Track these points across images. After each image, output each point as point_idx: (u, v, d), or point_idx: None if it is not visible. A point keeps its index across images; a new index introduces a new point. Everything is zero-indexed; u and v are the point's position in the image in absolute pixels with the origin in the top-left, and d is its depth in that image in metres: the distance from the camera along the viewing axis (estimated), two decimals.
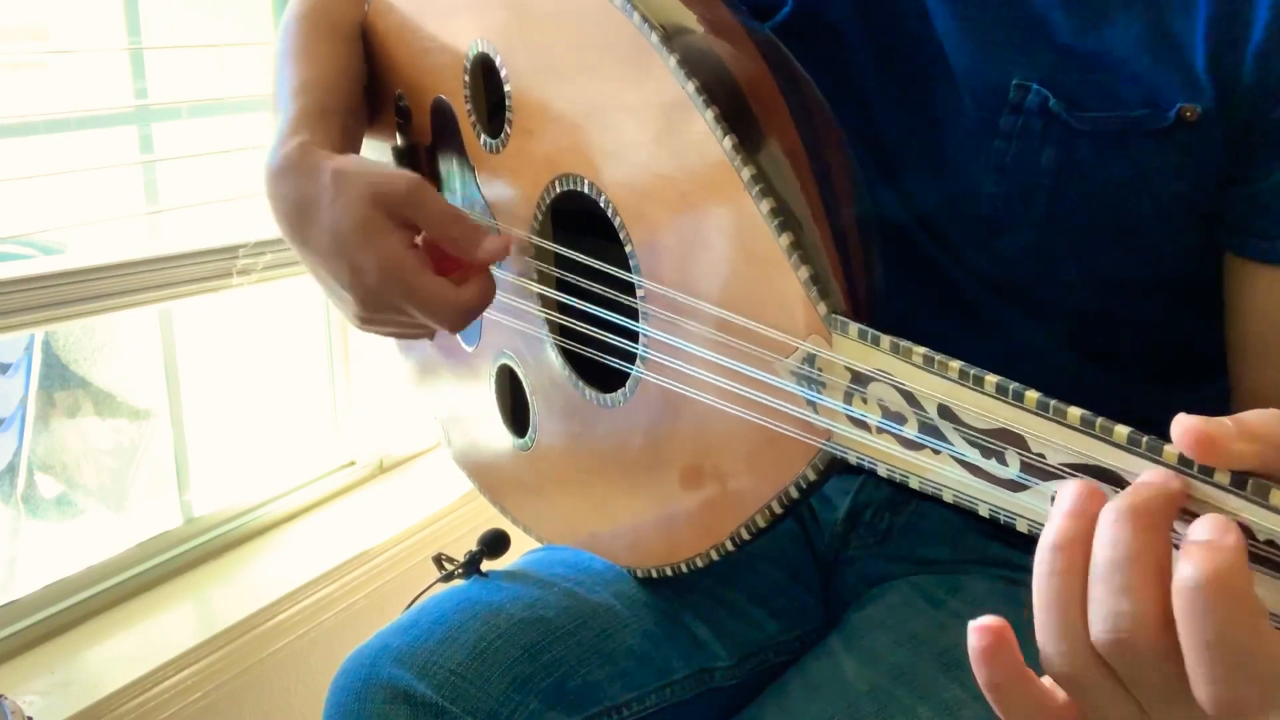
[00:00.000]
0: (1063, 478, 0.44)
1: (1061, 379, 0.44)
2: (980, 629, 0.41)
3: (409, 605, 0.81)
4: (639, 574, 0.76)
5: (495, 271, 0.79)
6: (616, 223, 0.66)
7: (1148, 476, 0.40)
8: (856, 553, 0.83)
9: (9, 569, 1.33)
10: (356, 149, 0.83)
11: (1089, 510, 0.40)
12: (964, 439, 0.47)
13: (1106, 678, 0.39)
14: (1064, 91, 0.63)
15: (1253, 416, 0.38)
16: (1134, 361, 0.72)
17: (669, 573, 0.71)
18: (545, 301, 0.75)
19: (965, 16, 0.66)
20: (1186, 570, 0.36)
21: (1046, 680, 0.42)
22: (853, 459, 0.54)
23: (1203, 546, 0.36)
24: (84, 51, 1.34)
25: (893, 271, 0.63)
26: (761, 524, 0.62)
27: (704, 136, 0.59)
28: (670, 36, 0.60)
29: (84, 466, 1.46)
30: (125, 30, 1.34)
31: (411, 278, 0.69)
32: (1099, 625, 0.38)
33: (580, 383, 0.73)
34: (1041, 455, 0.44)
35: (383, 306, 0.71)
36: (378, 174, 0.70)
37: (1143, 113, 0.62)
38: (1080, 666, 0.40)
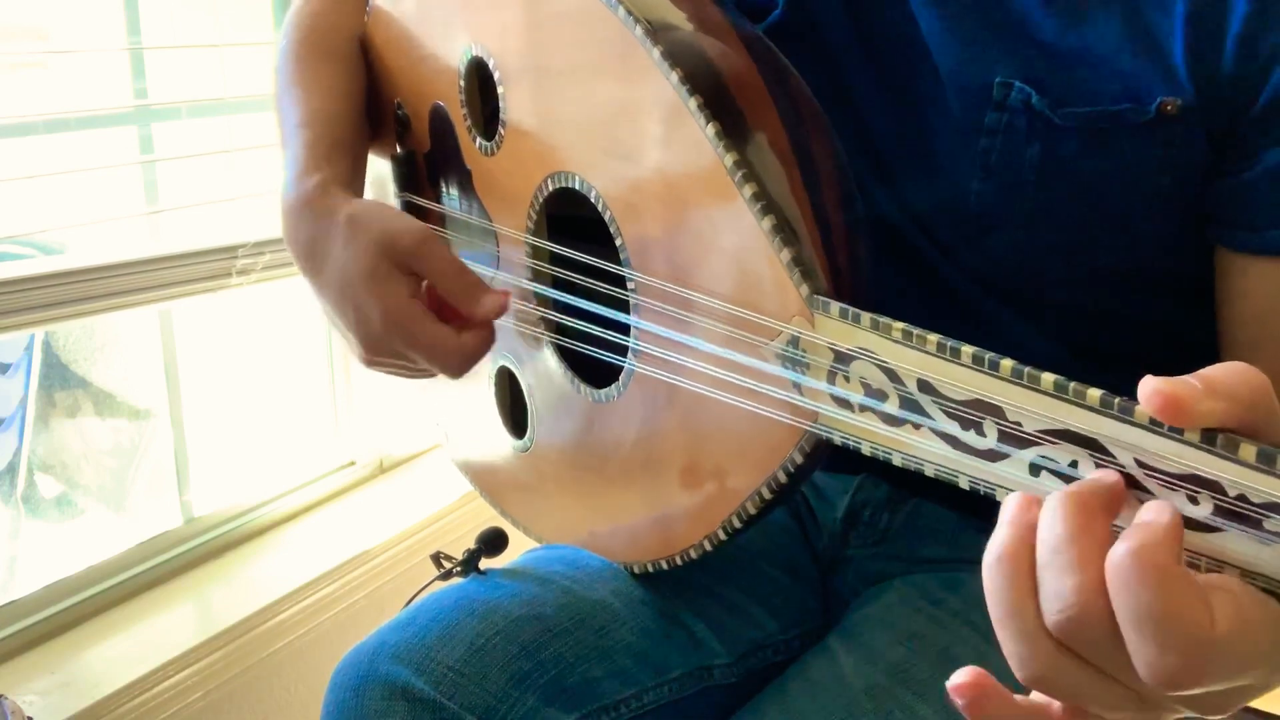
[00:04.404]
0: (1039, 444, 0.44)
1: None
2: (957, 688, 0.42)
3: (408, 603, 0.81)
4: (636, 570, 0.76)
5: (493, 274, 0.79)
6: (607, 217, 0.67)
7: (1091, 474, 0.41)
8: (855, 552, 0.83)
9: (9, 569, 1.33)
10: (363, 172, 0.84)
11: (1028, 518, 0.41)
12: (943, 412, 0.48)
13: (1076, 665, 0.40)
14: (1047, 88, 0.64)
15: (1219, 373, 0.39)
16: (1125, 357, 0.72)
17: (665, 566, 0.71)
18: (541, 301, 0.75)
19: (949, 16, 0.67)
20: (1117, 548, 0.37)
21: (1037, 696, 0.43)
22: (838, 439, 0.54)
23: (1137, 526, 0.37)
24: (84, 51, 1.34)
25: (885, 271, 0.63)
26: (752, 511, 0.62)
27: (689, 126, 0.59)
28: (655, 30, 0.61)
29: (84, 466, 1.47)
30: (125, 30, 1.34)
31: (414, 326, 0.70)
32: (1049, 608, 0.39)
33: (575, 379, 0.74)
34: (1018, 424, 0.45)
35: (385, 351, 0.73)
36: (389, 223, 0.71)
37: (1124, 107, 0.63)
38: (1046, 663, 0.40)
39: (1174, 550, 0.37)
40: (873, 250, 0.61)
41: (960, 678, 0.42)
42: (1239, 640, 0.37)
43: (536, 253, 0.75)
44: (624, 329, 0.67)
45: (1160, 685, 0.36)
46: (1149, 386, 0.38)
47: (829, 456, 0.58)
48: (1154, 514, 0.38)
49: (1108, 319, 0.72)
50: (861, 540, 0.83)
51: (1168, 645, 0.36)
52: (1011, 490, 0.45)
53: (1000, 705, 0.42)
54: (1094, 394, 0.41)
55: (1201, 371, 0.39)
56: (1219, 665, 0.36)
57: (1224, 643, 0.36)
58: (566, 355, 0.75)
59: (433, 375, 0.79)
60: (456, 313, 0.71)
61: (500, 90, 0.74)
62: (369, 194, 0.88)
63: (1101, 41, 0.63)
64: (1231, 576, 0.39)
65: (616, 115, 0.65)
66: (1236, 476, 0.38)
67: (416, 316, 0.70)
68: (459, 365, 0.72)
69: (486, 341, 0.72)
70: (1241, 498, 0.38)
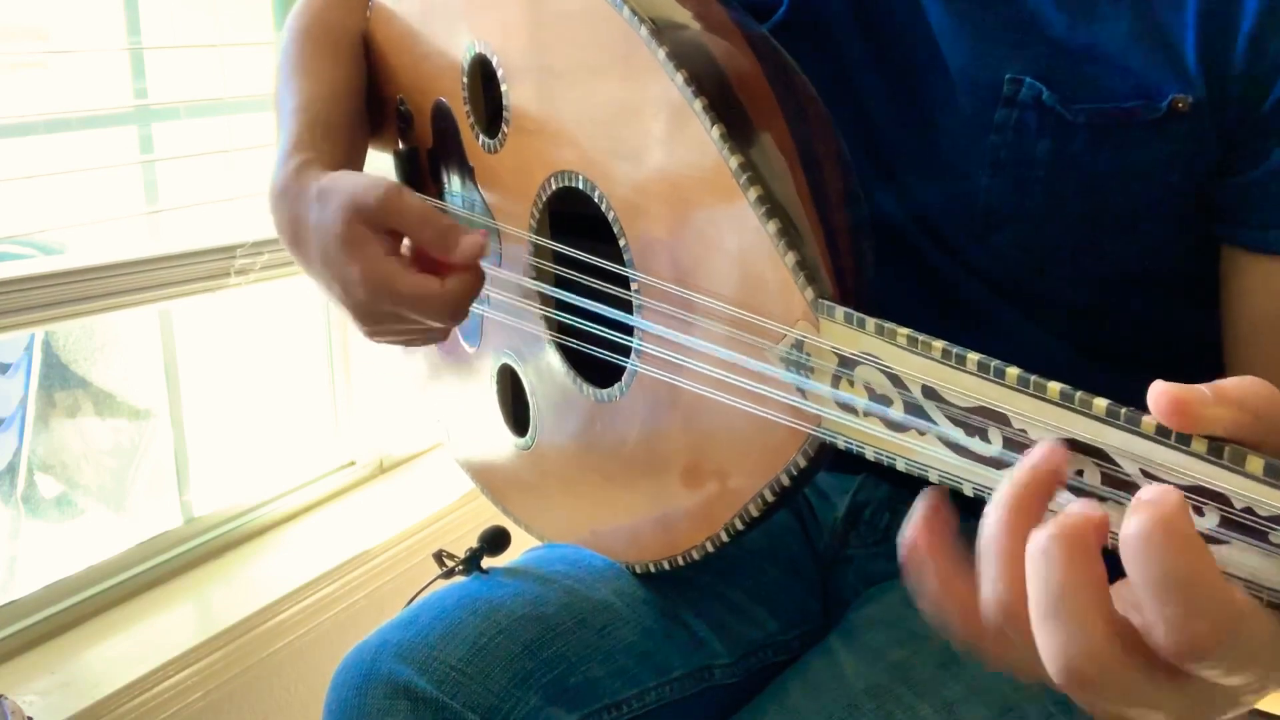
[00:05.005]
0: None
1: (1060, 376, 0.44)
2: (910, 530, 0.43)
3: (409, 601, 0.81)
4: (638, 570, 0.76)
5: (495, 271, 0.79)
6: (611, 217, 0.67)
7: (1073, 507, 0.40)
8: (856, 552, 0.83)
9: (9, 569, 1.33)
10: (361, 161, 0.84)
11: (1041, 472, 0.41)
12: (948, 418, 0.47)
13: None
14: (1057, 85, 0.64)
15: (1230, 383, 0.38)
16: (1132, 357, 0.72)
17: (666, 567, 0.71)
18: (544, 299, 0.75)
19: (958, 13, 0.67)
20: (1131, 523, 0.36)
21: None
22: (841, 444, 0.54)
23: (1145, 503, 0.36)
24: (84, 51, 1.34)
25: (891, 272, 0.63)
26: (755, 513, 0.62)
27: (694, 128, 0.59)
28: (659, 30, 0.61)
29: (84, 466, 1.47)
30: (125, 30, 1.34)
31: (395, 282, 0.69)
32: (1054, 665, 0.38)
33: (578, 379, 0.74)
34: (1023, 431, 0.44)
35: (378, 316, 0.72)
36: (354, 186, 0.71)
37: (1135, 104, 0.63)
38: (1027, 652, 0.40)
39: (1188, 520, 0.36)
40: (876, 252, 0.61)
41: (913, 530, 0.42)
42: (1254, 618, 0.36)
43: (539, 251, 0.75)
44: (627, 329, 0.67)
45: (1183, 651, 0.36)
46: (1157, 389, 0.38)
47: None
48: (1159, 492, 0.37)
49: (1114, 318, 0.72)
50: (862, 540, 0.83)
51: (1196, 609, 0.35)
52: None
53: (940, 573, 0.43)
54: (1100, 403, 0.41)
55: (1215, 382, 0.39)
56: (1242, 637, 0.36)
57: (1247, 614, 0.36)
58: (569, 354, 0.75)
59: (437, 338, 0.78)
60: (444, 264, 0.70)
61: (504, 88, 0.74)
62: None
63: (1112, 38, 0.63)
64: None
65: (621, 115, 0.64)
66: (1243, 489, 0.37)
67: (394, 273, 0.69)
68: (449, 313, 0.71)
69: (473, 284, 0.71)
70: (1248, 510, 0.37)
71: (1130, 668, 0.37)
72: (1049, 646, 0.38)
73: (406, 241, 0.71)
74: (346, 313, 0.74)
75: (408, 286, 0.69)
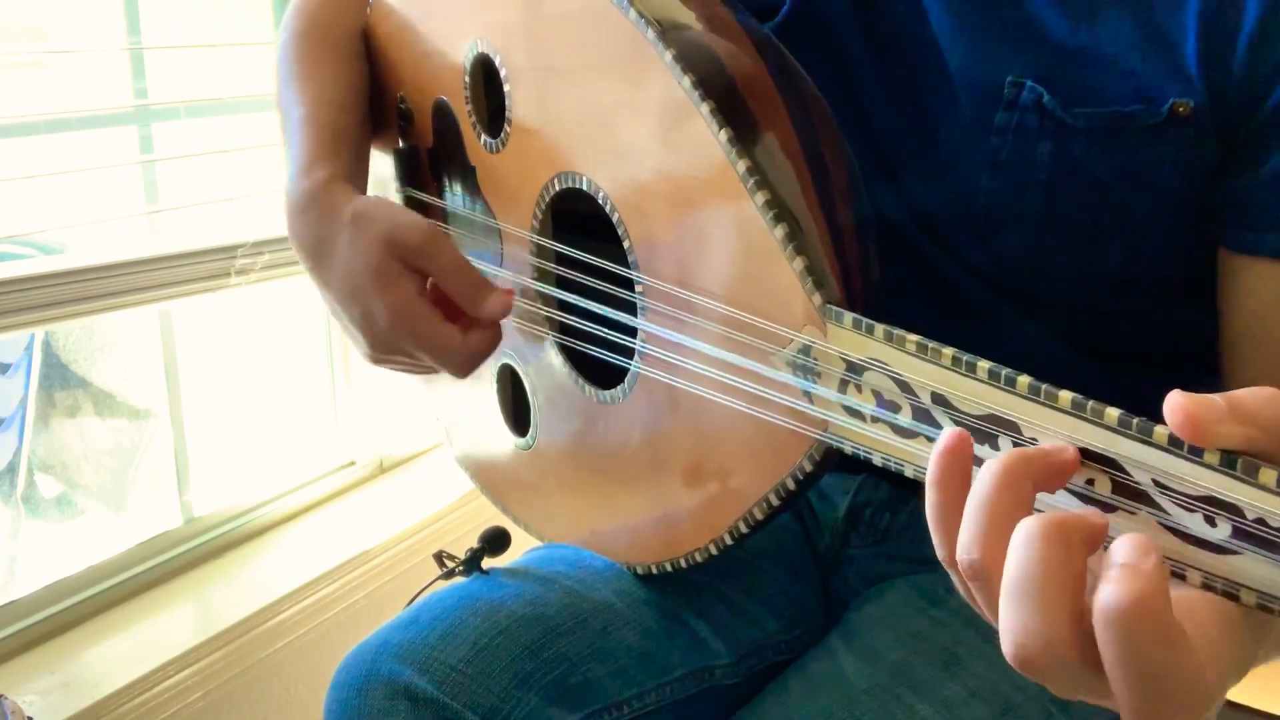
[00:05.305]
0: None
1: (1060, 376, 0.44)
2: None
3: (410, 601, 0.81)
4: (639, 571, 0.76)
5: (497, 272, 0.79)
6: (615, 219, 0.67)
7: (1078, 511, 0.40)
8: (856, 552, 0.84)
9: (9, 569, 1.33)
10: (367, 165, 0.84)
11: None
12: (957, 425, 0.47)
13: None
14: (1058, 88, 0.64)
15: (1247, 396, 0.38)
16: (1133, 357, 0.73)
17: (669, 569, 0.71)
18: (545, 300, 0.75)
19: (960, 15, 0.67)
20: (1107, 594, 0.36)
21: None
22: (848, 449, 0.54)
23: (1123, 569, 0.36)
24: (84, 51, 1.34)
25: (891, 273, 0.63)
26: (759, 517, 0.62)
27: (700, 131, 0.59)
28: (666, 32, 0.60)
29: (84, 466, 1.46)
30: (125, 30, 1.34)
31: (420, 325, 0.70)
32: (1009, 643, 0.38)
33: (580, 380, 0.74)
34: (1034, 440, 0.44)
35: (391, 349, 0.73)
36: (395, 220, 0.71)
37: (1136, 108, 0.63)
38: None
39: (1167, 596, 0.36)
40: (884, 265, 0.60)
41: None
42: (1220, 683, 0.38)
43: (541, 252, 0.75)
44: (630, 330, 0.67)
45: None
46: (1172, 401, 0.38)
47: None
48: (1136, 555, 0.36)
49: (1114, 319, 0.72)
50: (862, 540, 0.83)
51: (1166, 695, 0.36)
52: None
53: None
54: (1112, 413, 0.41)
55: (1231, 393, 0.38)
56: (1206, 708, 0.37)
57: (1215, 689, 0.37)
58: (571, 355, 0.75)
59: (439, 371, 0.79)
60: (463, 310, 0.71)
61: (506, 88, 0.74)
62: (371, 189, 0.88)
63: (1112, 41, 0.63)
64: (1200, 594, 0.39)
65: (626, 118, 0.64)
66: (1256, 500, 0.37)
67: (423, 316, 0.70)
68: (465, 365, 0.72)
69: (492, 341, 0.72)
70: (1260, 521, 0.37)
71: (1084, 666, 0.38)
72: (1009, 624, 0.38)
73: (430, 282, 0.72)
74: (357, 335, 0.74)
75: (431, 333, 0.70)
